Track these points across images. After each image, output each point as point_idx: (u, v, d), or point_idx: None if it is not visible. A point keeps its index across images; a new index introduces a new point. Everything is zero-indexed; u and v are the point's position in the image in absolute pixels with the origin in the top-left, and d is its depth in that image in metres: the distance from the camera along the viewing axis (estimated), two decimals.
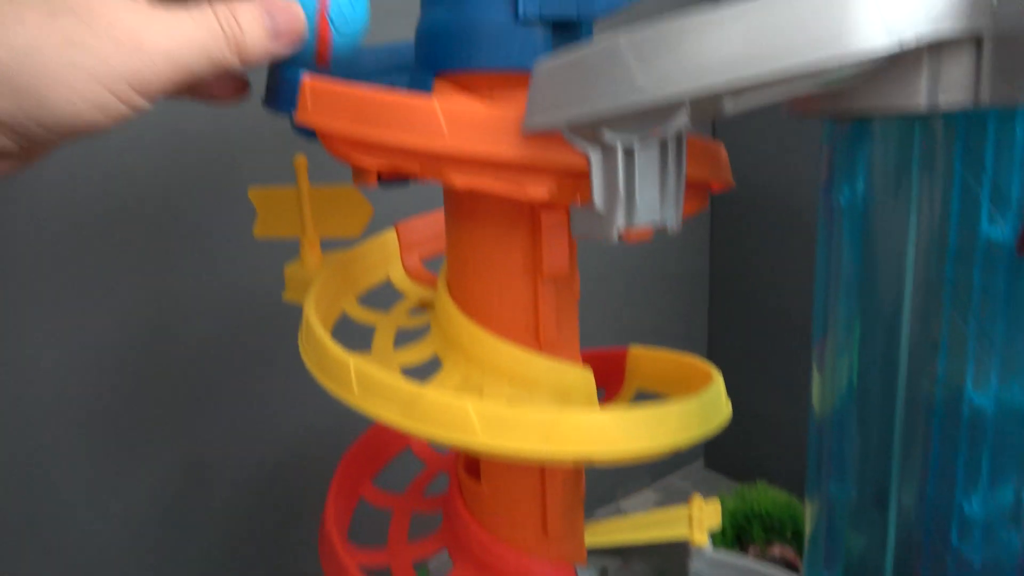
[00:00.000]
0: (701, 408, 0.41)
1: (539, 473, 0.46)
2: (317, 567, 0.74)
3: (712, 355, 1.04)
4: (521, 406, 0.38)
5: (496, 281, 0.44)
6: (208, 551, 0.69)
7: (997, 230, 0.31)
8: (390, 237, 0.57)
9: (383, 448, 0.57)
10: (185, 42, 0.31)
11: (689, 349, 0.99)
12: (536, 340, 0.44)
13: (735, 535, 0.81)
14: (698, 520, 0.54)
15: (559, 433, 0.36)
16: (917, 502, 0.35)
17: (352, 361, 0.39)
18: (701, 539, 0.54)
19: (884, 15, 0.27)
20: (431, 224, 0.58)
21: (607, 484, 0.95)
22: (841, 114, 0.35)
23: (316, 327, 0.41)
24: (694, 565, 0.56)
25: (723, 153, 0.44)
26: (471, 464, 0.49)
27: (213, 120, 0.63)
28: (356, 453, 0.54)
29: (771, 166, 0.95)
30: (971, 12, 0.29)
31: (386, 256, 0.56)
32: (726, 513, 0.80)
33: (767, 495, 0.81)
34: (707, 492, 0.59)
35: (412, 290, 0.54)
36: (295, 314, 0.46)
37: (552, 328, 0.44)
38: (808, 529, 0.44)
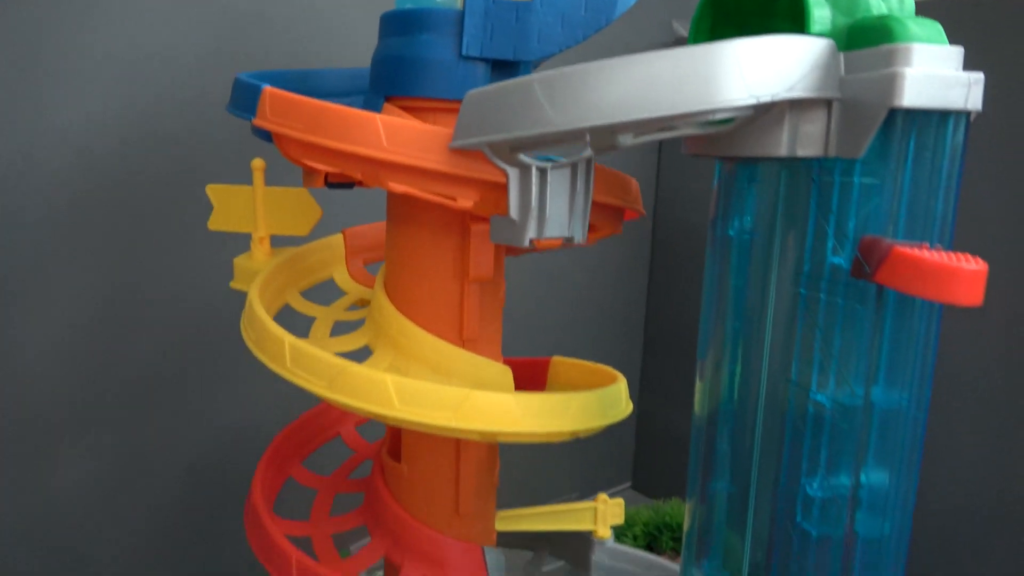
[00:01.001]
0: (601, 401, 0.46)
1: (454, 457, 0.50)
2: (249, 559, 0.77)
3: (644, 385, 1.10)
4: (435, 383, 0.43)
5: (428, 281, 0.49)
6: (146, 538, 0.72)
7: (839, 259, 0.37)
8: (336, 240, 0.61)
9: (315, 434, 0.61)
10: None
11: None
12: (459, 337, 0.49)
13: (647, 544, 0.86)
14: (603, 515, 0.59)
15: (468, 409, 0.41)
16: (772, 488, 0.41)
17: (288, 338, 0.43)
18: (604, 532, 0.60)
19: (745, 78, 0.33)
20: (377, 232, 0.63)
21: (535, 498, 0.99)
22: (724, 156, 0.41)
23: (257, 308, 0.46)
24: (596, 556, 0.61)
25: (634, 185, 0.50)
26: (394, 447, 0.53)
27: (180, 119, 0.67)
28: (288, 435, 0.58)
29: (707, 208, 1.02)
30: (823, 79, 0.35)
31: (332, 257, 0.61)
32: (640, 523, 0.85)
33: (679, 509, 0.87)
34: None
35: (354, 290, 0.59)
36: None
37: (475, 326, 0.49)
38: (685, 527, 0.49)
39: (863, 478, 0.38)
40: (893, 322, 0.36)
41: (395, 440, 0.54)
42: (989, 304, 0.35)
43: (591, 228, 0.45)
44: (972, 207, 0.60)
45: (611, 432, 1.11)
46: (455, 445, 0.50)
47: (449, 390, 0.42)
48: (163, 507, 0.72)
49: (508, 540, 0.62)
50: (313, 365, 0.42)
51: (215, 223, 0.57)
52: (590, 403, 0.46)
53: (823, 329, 0.38)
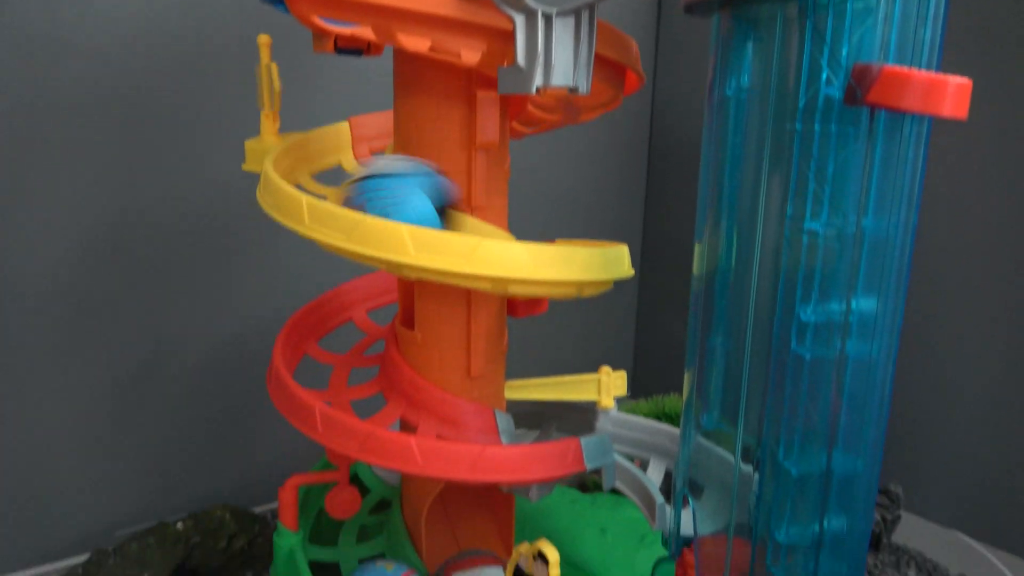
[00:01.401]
0: (604, 258, 0.49)
1: (465, 322, 0.53)
2: (270, 454, 0.80)
3: (642, 291, 1.12)
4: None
5: (435, 150, 0.50)
6: (164, 432, 0.74)
7: (833, 88, 0.39)
8: (343, 127, 0.63)
9: (328, 317, 0.63)
10: None
11: (619, 289, 1.08)
12: (468, 205, 0.51)
13: None
14: (606, 386, 0.62)
15: (479, 256, 0.43)
16: (768, 317, 0.43)
17: (305, 198, 0.45)
18: (608, 402, 0.62)
19: None
20: (382, 121, 0.64)
21: None
22: (722, 4, 0.42)
23: (272, 175, 0.48)
24: (600, 424, 0.64)
25: (635, 46, 0.51)
26: (407, 317, 0.55)
27: (186, 12, 0.67)
28: (302, 316, 0.60)
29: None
30: None
31: (339, 144, 0.62)
32: (640, 414, 0.88)
33: (677, 402, 0.90)
34: None
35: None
36: (257, 207, 0.51)
37: (482, 194, 0.51)
38: (685, 393, 0.52)
39: (853, 304, 0.41)
40: (883, 146, 0.38)
41: (408, 310, 0.56)
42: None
43: (593, 90, 0.47)
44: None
45: (611, 340, 1.13)
46: (466, 311, 0.53)
47: (462, 238, 0.44)
48: (181, 397, 0.75)
49: (517, 419, 0.65)
50: (330, 219, 0.44)
51: (249, 166, 0.58)
52: (594, 257, 0.48)
53: (817, 159, 0.39)
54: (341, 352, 0.62)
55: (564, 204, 1.00)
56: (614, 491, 0.80)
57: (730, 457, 0.47)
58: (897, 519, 0.72)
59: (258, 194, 0.50)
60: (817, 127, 0.39)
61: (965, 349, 0.76)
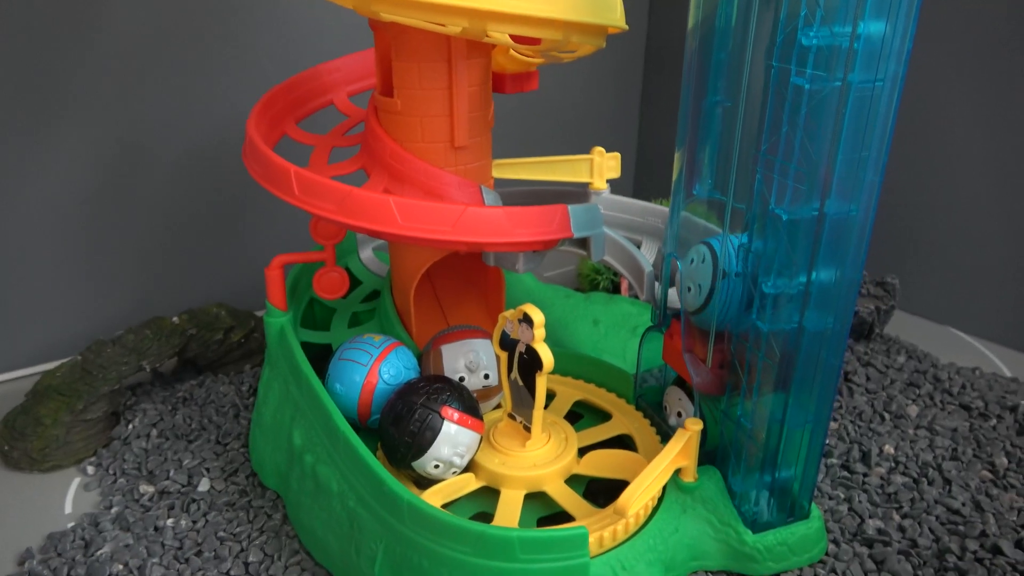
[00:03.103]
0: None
1: (446, 87, 0.49)
2: (255, 252, 0.79)
3: (644, 105, 1.07)
4: None
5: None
6: (141, 234, 0.74)
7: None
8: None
9: (307, 98, 0.60)
10: None
11: (624, 104, 1.03)
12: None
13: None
14: (599, 167, 0.60)
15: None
16: (765, 64, 0.40)
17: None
18: (600, 184, 0.60)
19: None
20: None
21: None
22: None
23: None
24: (592, 199, 0.62)
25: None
26: (385, 86, 0.52)
27: None
28: (280, 92, 0.57)
29: None
30: None
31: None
32: None
33: None
34: None
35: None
36: None
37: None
38: (676, 166, 0.49)
39: (860, 28, 0.37)
40: None
41: (386, 78, 0.52)
42: None
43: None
44: None
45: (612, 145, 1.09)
46: (447, 72, 0.49)
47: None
48: (163, 202, 0.73)
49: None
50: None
51: None
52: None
53: None
54: (322, 134, 0.60)
55: (557, 114, 0.95)
56: (607, 289, 0.81)
57: (718, 228, 0.45)
58: (892, 309, 0.72)
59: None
60: None
61: (963, 149, 0.73)
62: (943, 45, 0.72)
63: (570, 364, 0.59)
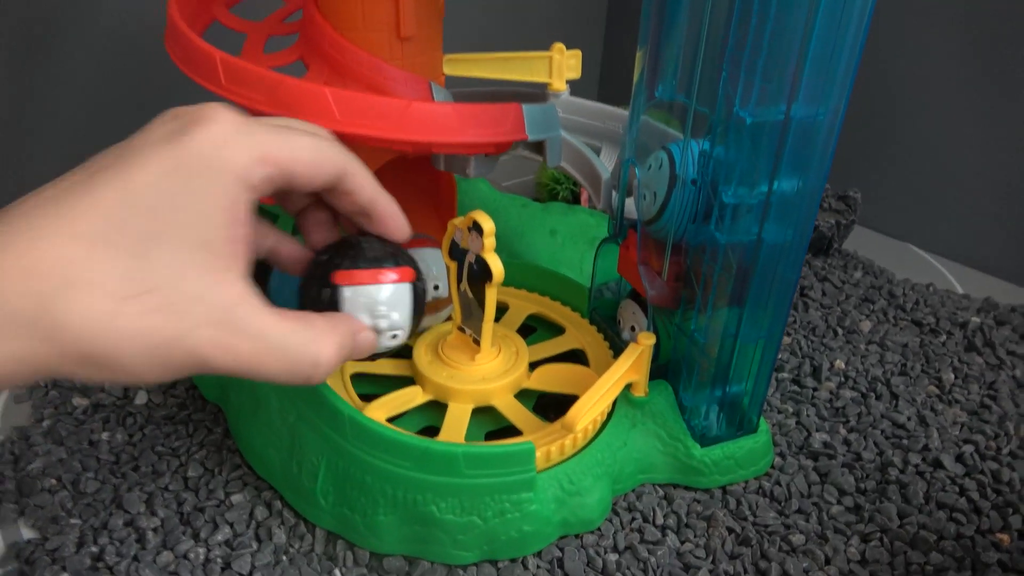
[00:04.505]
0: None
1: None
2: None
3: (608, 37, 1.02)
4: None
5: None
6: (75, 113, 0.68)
7: None
8: None
9: None
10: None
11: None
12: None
13: None
14: (558, 65, 0.56)
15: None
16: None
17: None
18: (559, 85, 0.57)
19: None
20: None
21: None
22: None
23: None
24: (550, 100, 0.58)
25: None
26: None
27: None
28: None
29: None
30: None
31: None
32: None
33: None
34: None
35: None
36: None
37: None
38: (636, 68, 0.45)
39: None
40: None
41: None
42: None
43: None
44: None
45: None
46: None
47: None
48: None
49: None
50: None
51: None
52: None
53: None
54: (257, 20, 0.55)
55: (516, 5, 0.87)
56: (566, 199, 0.78)
57: (680, 134, 0.43)
58: (852, 224, 0.71)
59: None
60: None
61: (935, 63, 0.70)
62: None
63: (524, 275, 0.57)
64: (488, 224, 0.43)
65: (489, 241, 0.43)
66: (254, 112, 0.42)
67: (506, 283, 0.45)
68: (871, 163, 0.79)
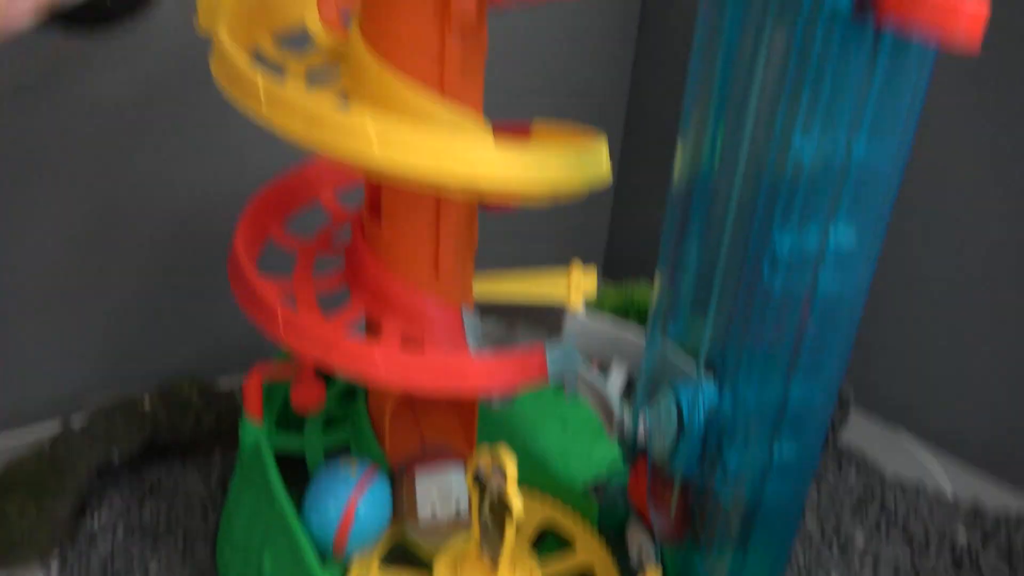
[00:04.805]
0: (580, 160, 0.46)
1: (434, 215, 0.50)
2: (232, 320, 0.79)
3: (629, 122, 1.09)
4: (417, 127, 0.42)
5: (406, 25, 0.46)
6: (122, 298, 0.73)
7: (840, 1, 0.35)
8: None
9: (292, 196, 0.60)
10: None
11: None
12: (440, 88, 0.48)
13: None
14: (576, 284, 0.61)
15: (450, 155, 0.41)
16: (742, 245, 0.42)
17: (261, 79, 0.41)
18: (577, 302, 0.62)
19: None
20: None
21: None
22: None
23: (227, 44, 0.44)
24: (567, 326, 0.63)
25: None
26: (373, 206, 0.53)
27: None
28: (266, 196, 0.58)
29: None
30: None
31: None
32: (607, 306, 0.88)
33: (646, 293, 0.90)
34: None
35: (325, 40, 0.55)
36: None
37: (456, 76, 0.47)
38: (653, 299, 0.50)
39: (831, 236, 0.39)
40: (886, 66, 0.35)
41: (374, 200, 0.53)
42: None
43: None
44: None
45: (585, 226, 1.12)
46: (434, 203, 0.50)
47: (432, 133, 0.41)
48: (143, 268, 0.73)
49: (483, 311, 0.64)
50: (289, 106, 0.41)
51: (203, 21, 0.52)
52: (570, 161, 0.45)
53: (815, 71, 0.37)
54: (306, 234, 0.60)
55: (544, 78, 0.95)
56: None
57: (690, 370, 0.47)
58: (845, 419, 0.75)
59: (212, 64, 0.46)
60: (819, 40, 0.36)
61: (929, 252, 0.76)
62: None
63: (535, 476, 0.60)
64: (512, 469, 0.46)
65: (512, 488, 0.47)
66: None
67: (519, 482, 0.48)
68: (865, 345, 0.83)
